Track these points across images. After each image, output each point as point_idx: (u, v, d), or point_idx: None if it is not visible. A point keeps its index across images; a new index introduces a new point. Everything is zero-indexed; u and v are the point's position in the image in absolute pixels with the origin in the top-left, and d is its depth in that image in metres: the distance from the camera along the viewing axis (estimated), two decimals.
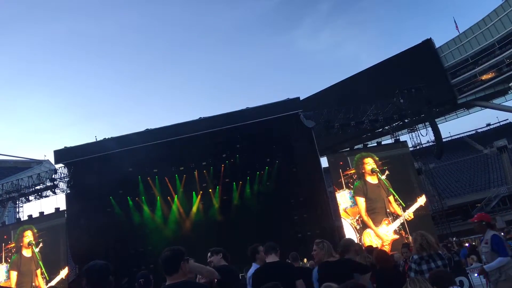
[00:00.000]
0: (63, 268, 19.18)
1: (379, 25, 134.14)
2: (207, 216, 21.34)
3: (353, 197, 18.49)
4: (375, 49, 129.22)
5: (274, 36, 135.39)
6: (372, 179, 18.80)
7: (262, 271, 4.57)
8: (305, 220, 20.14)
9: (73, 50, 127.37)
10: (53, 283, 18.89)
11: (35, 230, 20.13)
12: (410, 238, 14.39)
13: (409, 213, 18.15)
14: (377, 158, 19.02)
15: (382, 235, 17.76)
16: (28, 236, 20.03)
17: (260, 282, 4.06)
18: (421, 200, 18.48)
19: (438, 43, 40.72)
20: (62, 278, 19.02)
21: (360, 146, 22.77)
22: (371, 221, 17.96)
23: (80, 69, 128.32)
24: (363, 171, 18.83)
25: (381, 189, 18.50)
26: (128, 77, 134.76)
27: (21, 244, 20.00)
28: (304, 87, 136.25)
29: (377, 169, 18.79)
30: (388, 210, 18.17)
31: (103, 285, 2.87)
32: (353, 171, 18.83)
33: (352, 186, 18.67)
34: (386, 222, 17.97)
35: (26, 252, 19.90)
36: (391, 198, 18.42)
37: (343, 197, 18.72)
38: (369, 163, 18.89)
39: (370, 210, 18.12)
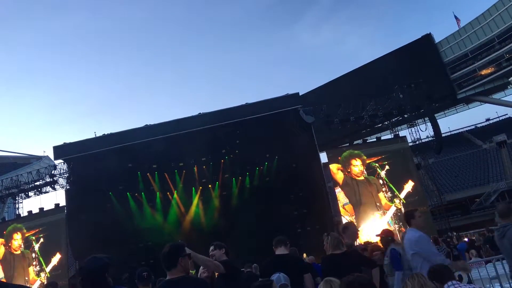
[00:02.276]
0: (54, 255, 19.26)
1: (380, 19, 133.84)
2: (207, 211, 21.37)
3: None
4: (375, 44, 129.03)
5: (274, 31, 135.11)
6: (358, 177, 18.72)
7: (271, 263, 4.56)
8: (305, 215, 20.16)
9: (72, 47, 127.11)
10: (47, 270, 19.03)
11: (25, 230, 20.09)
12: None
13: (400, 201, 18.08)
14: (365, 157, 18.87)
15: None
16: (18, 239, 20.00)
17: (269, 274, 4.06)
18: (408, 187, 18.31)
19: (439, 38, 40.61)
20: (54, 265, 19.15)
21: (359, 141, 22.76)
22: (353, 217, 17.86)
23: (79, 65, 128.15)
24: (349, 170, 18.75)
25: (367, 185, 18.44)
26: (127, 73, 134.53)
27: (10, 245, 20.03)
28: (304, 82, 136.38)
29: (377, 164, 18.73)
30: (378, 204, 18.12)
31: (98, 285, 2.69)
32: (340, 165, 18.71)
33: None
34: (377, 215, 17.92)
35: (16, 252, 19.91)
36: (381, 194, 18.38)
37: (341, 194, 18.72)
38: (357, 166, 18.71)
39: (358, 206, 18.04)
